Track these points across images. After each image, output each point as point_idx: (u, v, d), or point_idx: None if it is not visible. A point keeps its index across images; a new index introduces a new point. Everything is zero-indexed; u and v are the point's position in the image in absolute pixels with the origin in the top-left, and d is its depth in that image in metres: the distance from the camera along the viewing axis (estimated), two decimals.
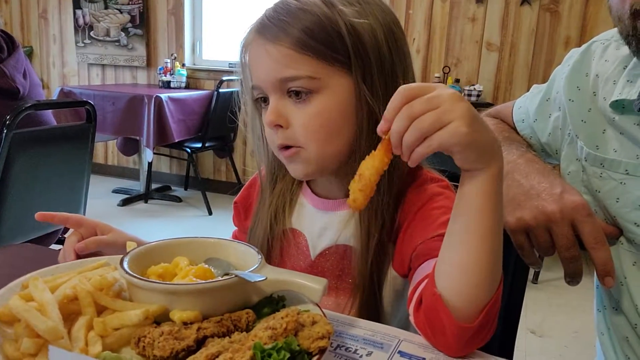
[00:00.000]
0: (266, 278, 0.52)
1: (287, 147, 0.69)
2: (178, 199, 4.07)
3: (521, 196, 0.72)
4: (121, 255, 0.59)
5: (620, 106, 0.74)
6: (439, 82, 3.50)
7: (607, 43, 0.81)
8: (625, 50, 0.76)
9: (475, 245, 0.53)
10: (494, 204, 0.53)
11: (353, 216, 0.73)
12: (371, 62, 0.67)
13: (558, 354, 2.15)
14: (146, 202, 3.99)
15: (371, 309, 0.71)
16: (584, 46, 0.85)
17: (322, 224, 0.76)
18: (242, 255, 0.61)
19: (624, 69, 0.76)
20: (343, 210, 0.75)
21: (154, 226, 3.51)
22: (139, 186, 4.13)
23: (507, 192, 0.73)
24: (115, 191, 4.18)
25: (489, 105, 3.34)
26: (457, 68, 3.56)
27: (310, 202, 0.79)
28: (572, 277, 0.71)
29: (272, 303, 0.56)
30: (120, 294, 0.56)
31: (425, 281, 0.59)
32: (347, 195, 0.73)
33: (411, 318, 0.61)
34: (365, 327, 0.60)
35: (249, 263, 0.58)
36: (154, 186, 4.20)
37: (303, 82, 0.65)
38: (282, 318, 0.47)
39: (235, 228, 0.88)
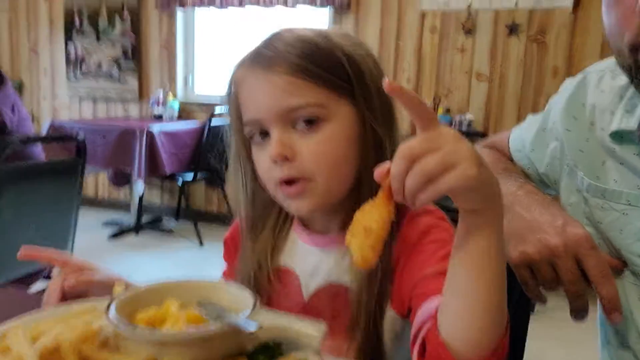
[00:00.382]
0: (261, 327, 0.49)
1: (290, 183, 0.66)
2: (169, 231, 4.02)
3: (524, 229, 0.70)
4: (109, 298, 0.56)
5: (619, 137, 0.73)
6: None
7: (602, 74, 0.81)
8: (621, 80, 0.76)
9: (481, 291, 0.50)
10: (499, 245, 0.50)
11: (348, 253, 0.70)
12: (370, 89, 0.67)
13: None
14: (137, 234, 3.93)
15: (371, 354, 0.68)
16: (578, 76, 0.85)
17: (315, 262, 0.74)
18: (235, 298, 0.58)
19: (621, 98, 0.75)
20: (337, 246, 0.72)
21: (144, 259, 3.45)
22: (129, 218, 4.08)
23: (509, 225, 0.72)
24: (106, 224, 4.12)
25: (480, 134, 3.36)
26: (448, 98, 3.58)
27: (302, 239, 0.76)
28: (579, 313, 0.69)
29: (268, 351, 0.53)
30: (108, 342, 0.53)
31: (428, 324, 0.56)
32: (342, 230, 0.73)
33: None
34: None
35: (242, 306, 0.55)
36: (145, 218, 4.15)
37: (312, 110, 0.65)
38: None
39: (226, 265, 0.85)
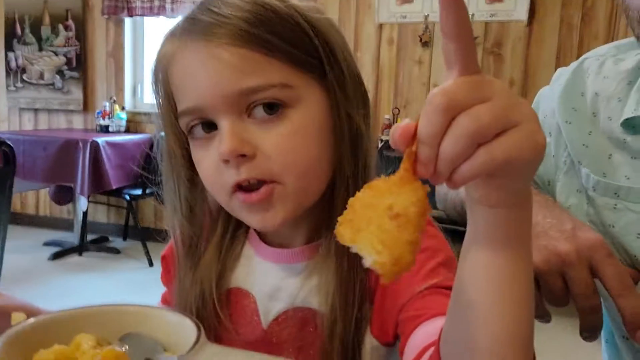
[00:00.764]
0: None
1: (249, 190, 0.52)
2: (116, 251, 3.76)
3: None
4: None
5: (631, 126, 0.64)
6: (389, 123, 3.47)
7: (603, 59, 0.73)
8: (626, 64, 0.68)
9: (511, 315, 0.36)
10: (527, 252, 0.37)
11: (316, 269, 0.57)
12: (342, 67, 0.54)
13: None
14: (80, 254, 3.66)
15: None
16: (573, 64, 0.76)
17: (276, 282, 0.60)
18: (174, 328, 0.44)
19: (630, 84, 0.67)
20: (302, 262, 0.59)
21: (89, 281, 3.20)
22: (73, 237, 3.80)
23: None
24: (47, 244, 3.83)
25: None
26: (407, 109, 3.54)
27: (259, 253, 0.62)
28: (591, 332, 0.58)
29: None
30: None
31: (430, 353, 0.44)
32: (308, 241, 0.58)
33: None
34: None
35: (183, 340, 0.42)
36: (89, 237, 3.88)
37: (274, 92, 0.50)
38: None
39: (165, 289, 0.70)
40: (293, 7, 0.52)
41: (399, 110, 3.53)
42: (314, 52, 0.53)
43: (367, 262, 0.30)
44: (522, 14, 3.24)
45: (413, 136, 0.31)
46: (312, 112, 0.53)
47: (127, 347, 0.43)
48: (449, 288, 0.51)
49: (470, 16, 3.30)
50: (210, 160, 0.53)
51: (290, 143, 0.51)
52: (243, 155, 0.50)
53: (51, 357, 0.41)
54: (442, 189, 0.84)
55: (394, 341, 0.55)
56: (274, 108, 0.51)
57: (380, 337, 0.55)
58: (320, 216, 0.58)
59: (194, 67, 0.51)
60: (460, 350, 0.38)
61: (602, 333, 0.75)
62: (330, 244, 0.56)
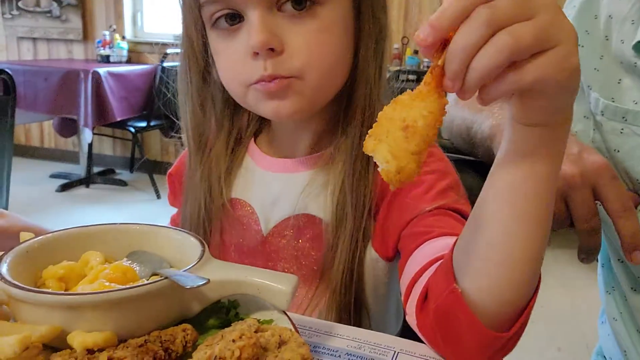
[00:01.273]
0: (209, 281, 0.36)
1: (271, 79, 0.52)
2: (123, 183, 3.80)
3: None
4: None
5: None
6: (398, 53, 3.39)
7: None
8: None
9: (529, 234, 0.38)
10: (558, 173, 0.38)
11: (319, 177, 0.58)
12: None
13: (549, 337, 2.06)
14: (87, 187, 3.70)
15: (349, 305, 0.56)
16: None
17: (277, 190, 0.60)
18: (178, 246, 0.45)
19: None
20: (305, 170, 0.59)
21: (96, 213, 3.25)
22: (79, 170, 3.83)
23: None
24: (53, 176, 3.86)
25: None
26: None
27: (260, 164, 0.62)
28: (589, 254, 0.59)
29: (220, 312, 0.41)
30: (0, 309, 0.39)
31: (431, 270, 0.45)
32: (312, 151, 0.58)
33: (410, 318, 0.46)
34: (349, 336, 0.45)
35: (187, 256, 0.42)
36: (96, 170, 3.90)
37: None
38: (233, 341, 0.32)
39: (175, 211, 0.71)
40: None
41: (408, 40, 3.43)
42: None
43: (381, 170, 0.32)
44: None
45: (443, 46, 0.31)
46: (339, 11, 0.53)
47: (134, 263, 0.43)
48: (457, 211, 0.52)
49: None
50: (233, 51, 0.53)
51: (317, 39, 0.52)
52: (271, 49, 0.50)
53: (60, 272, 0.42)
54: (447, 117, 0.83)
55: (393, 256, 0.56)
56: (301, 3, 0.51)
57: (381, 250, 0.56)
58: (325, 126, 0.59)
59: None
60: (474, 260, 0.39)
61: (599, 257, 0.76)
62: (336, 153, 0.57)
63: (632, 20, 0.64)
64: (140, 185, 3.77)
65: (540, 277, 0.40)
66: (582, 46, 0.70)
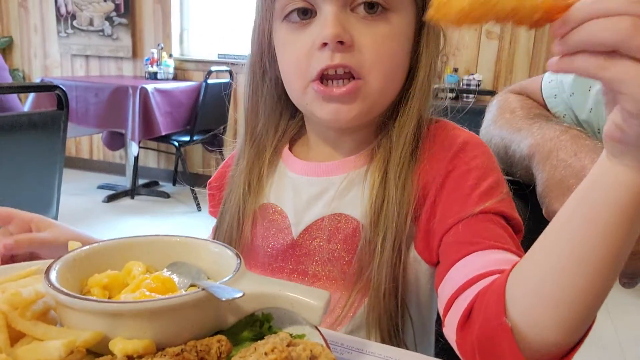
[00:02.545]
0: (244, 294, 0.37)
1: (331, 80, 0.54)
2: (166, 195, 3.91)
3: (571, 179, 0.58)
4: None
5: None
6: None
7: None
8: None
9: (602, 269, 0.36)
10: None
11: (355, 178, 0.58)
12: None
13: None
14: (132, 198, 3.82)
15: (391, 311, 0.54)
16: None
17: (311, 193, 0.60)
18: (216, 258, 0.47)
19: None
20: (341, 173, 0.59)
21: (140, 223, 3.35)
22: (125, 182, 3.97)
23: (553, 174, 0.60)
24: (101, 187, 4.01)
25: (490, 93, 3.20)
26: (455, 57, 3.41)
27: (293, 169, 0.63)
28: (632, 278, 0.57)
29: (254, 325, 0.42)
30: (48, 314, 0.41)
31: (478, 287, 0.44)
32: (351, 153, 0.59)
33: (449, 332, 0.45)
34: (381, 355, 0.45)
35: (224, 269, 0.44)
36: (140, 182, 4.03)
37: None
38: (265, 354, 0.32)
39: (214, 222, 0.73)
40: None
41: (447, 58, 3.40)
42: None
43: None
44: None
45: None
46: (406, 21, 0.56)
47: (174, 274, 0.45)
48: (501, 214, 0.51)
49: None
50: (301, 43, 0.55)
51: (384, 43, 0.54)
52: (341, 43, 0.52)
53: (104, 280, 0.44)
54: (485, 136, 0.82)
55: (437, 260, 0.54)
56: (374, 7, 0.53)
57: (424, 254, 0.55)
58: (367, 135, 0.60)
59: None
60: (527, 295, 0.38)
61: None
62: (375, 153, 0.58)
63: None
64: (182, 197, 3.87)
65: (594, 319, 0.39)
66: None
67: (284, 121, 0.65)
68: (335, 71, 0.53)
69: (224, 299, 0.36)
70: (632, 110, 0.31)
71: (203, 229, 0.77)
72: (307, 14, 0.54)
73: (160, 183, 4.24)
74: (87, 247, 0.47)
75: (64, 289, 0.39)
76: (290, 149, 0.65)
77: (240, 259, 0.43)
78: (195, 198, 3.62)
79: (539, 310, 0.37)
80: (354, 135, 0.60)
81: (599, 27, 0.30)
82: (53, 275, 0.40)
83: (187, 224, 3.37)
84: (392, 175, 0.55)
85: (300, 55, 0.54)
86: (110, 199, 3.74)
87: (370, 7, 0.53)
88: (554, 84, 0.82)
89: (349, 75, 0.54)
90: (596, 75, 0.31)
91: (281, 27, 0.57)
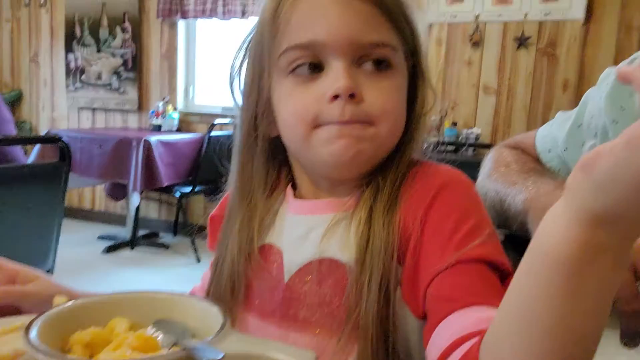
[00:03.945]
0: (224, 355, 0.36)
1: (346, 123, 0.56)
2: (165, 246, 3.89)
3: None
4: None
5: None
6: (436, 125, 3.42)
7: None
8: None
9: (557, 329, 0.33)
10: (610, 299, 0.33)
11: (343, 219, 0.58)
12: (421, 49, 0.61)
13: None
14: (132, 249, 3.80)
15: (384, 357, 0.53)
16: (623, 63, 0.73)
17: (302, 232, 0.60)
18: (202, 315, 0.46)
19: None
20: (330, 212, 0.59)
21: (139, 274, 3.32)
22: (125, 233, 3.96)
23: None
24: (101, 237, 4.00)
25: (489, 146, 3.24)
26: (454, 111, 3.48)
27: (291, 208, 0.63)
28: (632, 338, 0.56)
29: None
30: None
31: (460, 352, 0.42)
32: (349, 194, 0.58)
33: None
34: None
35: (209, 326, 0.43)
36: (141, 232, 4.02)
37: (387, 51, 0.57)
38: None
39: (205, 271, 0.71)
40: None
41: (446, 112, 3.47)
42: (409, 31, 0.60)
43: None
44: (578, 12, 3.11)
45: None
46: (402, 77, 0.60)
47: (158, 332, 0.44)
48: (483, 260, 0.50)
49: (524, 15, 3.24)
50: (309, 94, 0.56)
51: (390, 96, 0.57)
52: (352, 96, 0.54)
53: (87, 338, 0.43)
54: (481, 190, 0.83)
55: (423, 313, 0.52)
56: (380, 64, 0.57)
57: (411, 303, 0.54)
58: (361, 179, 0.60)
59: (327, 10, 0.55)
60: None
61: None
62: (362, 195, 0.58)
63: None
64: (182, 249, 3.84)
65: None
66: (617, 122, 0.69)
67: (275, 172, 0.65)
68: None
69: None
70: (631, 140, 0.28)
71: (200, 280, 0.76)
72: (314, 68, 0.56)
73: (161, 234, 4.22)
74: (71, 302, 0.46)
75: (44, 347, 0.38)
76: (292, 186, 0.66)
77: (225, 318, 0.42)
78: (195, 250, 3.60)
79: None
80: (346, 186, 0.60)
81: None
82: (33, 333, 0.40)
83: (186, 276, 3.33)
84: (378, 214, 0.56)
85: (308, 105, 0.56)
86: (110, 249, 3.72)
87: (378, 64, 0.56)
88: (547, 139, 0.84)
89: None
90: None
91: (286, 80, 0.58)
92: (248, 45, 0.63)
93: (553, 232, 0.32)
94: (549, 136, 0.83)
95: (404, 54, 0.59)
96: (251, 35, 0.63)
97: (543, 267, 0.32)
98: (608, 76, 0.75)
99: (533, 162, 0.81)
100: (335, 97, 0.54)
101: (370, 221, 0.56)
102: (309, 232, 0.60)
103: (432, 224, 0.53)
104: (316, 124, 0.56)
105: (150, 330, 0.45)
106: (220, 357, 0.36)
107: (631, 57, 0.74)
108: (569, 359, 0.33)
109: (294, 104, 0.57)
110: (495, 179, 0.79)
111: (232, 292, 0.62)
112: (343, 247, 0.57)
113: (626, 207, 0.29)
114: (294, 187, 0.65)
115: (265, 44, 0.59)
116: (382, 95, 0.56)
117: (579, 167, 0.31)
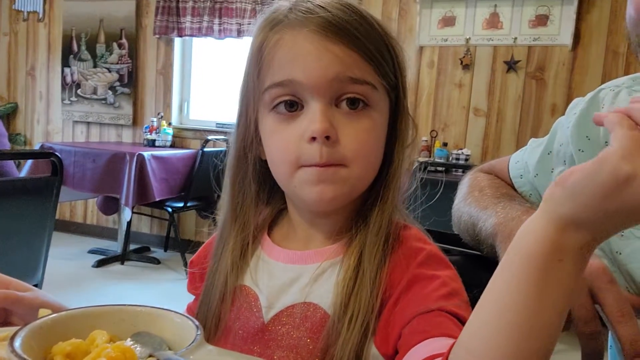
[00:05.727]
0: None
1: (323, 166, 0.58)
2: (156, 261, 3.88)
3: None
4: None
5: None
6: (427, 145, 3.47)
7: (618, 90, 0.73)
8: None
9: (523, 322, 0.38)
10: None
11: (328, 269, 0.60)
12: (406, 88, 0.63)
13: None
14: (122, 263, 3.80)
15: None
16: (590, 94, 0.77)
17: (286, 280, 0.62)
18: (178, 329, 0.48)
19: None
20: (315, 262, 0.62)
21: (128, 289, 3.31)
22: (116, 247, 3.96)
23: None
24: (92, 252, 4.00)
25: None
26: (445, 132, 3.53)
27: (271, 255, 0.65)
28: (592, 358, 0.58)
29: None
30: None
31: None
32: (326, 241, 0.61)
33: None
34: None
35: (185, 339, 0.45)
36: (132, 247, 4.03)
37: (366, 89, 0.58)
38: None
39: (191, 298, 0.74)
40: (383, 28, 0.61)
41: (436, 133, 3.53)
42: (392, 70, 0.61)
43: None
44: (566, 38, 3.19)
45: None
46: (382, 117, 0.61)
47: (136, 344, 0.47)
48: (458, 316, 0.53)
49: (513, 40, 3.31)
50: (290, 134, 0.59)
51: (365, 136, 0.58)
52: (328, 138, 0.56)
53: (68, 348, 0.45)
54: (456, 213, 0.86)
55: (393, 354, 0.56)
56: (355, 104, 0.58)
57: (382, 348, 0.56)
58: (343, 222, 0.63)
59: (305, 51, 0.57)
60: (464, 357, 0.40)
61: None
62: (352, 242, 0.60)
63: None
64: (172, 264, 3.84)
65: None
66: (582, 151, 0.73)
67: (264, 202, 0.68)
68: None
69: None
70: (601, 157, 0.35)
71: (191, 296, 0.78)
72: (293, 106, 0.58)
73: (152, 249, 4.22)
74: (54, 315, 0.49)
75: (25, 356, 0.40)
76: (268, 233, 0.68)
77: (199, 330, 0.45)
78: (186, 264, 3.60)
79: None
80: (333, 219, 0.63)
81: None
82: (17, 343, 0.42)
83: (175, 291, 3.33)
84: (367, 258, 0.58)
85: (289, 145, 0.58)
86: (100, 263, 3.71)
87: (352, 103, 0.58)
88: (519, 165, 0.87)
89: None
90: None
91: (269, 117, 0.60)
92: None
93: (529, 233, 0.38)
94: (521, 162, 0.87)
95: (385, 91, 0.60)
96: (245, 64, 0.65)
97: (517, 263, 0.38)
98: (576, 106, 0.79)
99: (505, 187, 0.85)
100: (313, 138, 0.56)
101: (359, 265, 0.58)
102: (295, 280, 0.62)
103: (416, 284, 0.56)
104: (299, 165, 0.58)
105: (128, 342, 0.47)
106: None
107: (614, 83, 0.77)
108: (532, 350, 0.37)
109: (277, 143, 0.60)
110: (469, 202, 0.83)
111: (217, 324, 0.64)
112: (327, 292, 0.59)
113: (590, 213, 0.35)
114: (270, 226, 0.68)
115: (251, 78, 0.62)
116: (358, 136, 0.57)
117: (555, 182, 0.37)
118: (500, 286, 0.39)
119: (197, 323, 0.47)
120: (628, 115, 0.36)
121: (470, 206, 0.82)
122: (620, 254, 0.67)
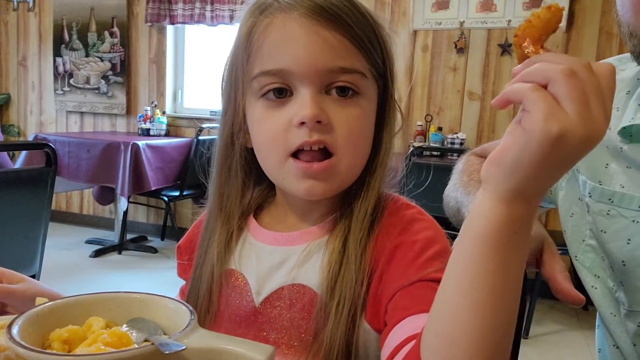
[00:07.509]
0: (185, 347, 0.40)
1: (307, 160, 0.58)
2: (153, 250, 3.89)
3: None
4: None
5: (628, 134, 0.65)
6: (422, 130, 3.48)
7: None
8: (627, 74, 0.69)
9: (494, 319, 0.39)
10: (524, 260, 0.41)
11: (315, 249, 0.61)
12: (395, 76, 0.63)
13: None
14: (120, 253, 3.81)
15: None
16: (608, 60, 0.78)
17: (272, 262, 0.63)
18: (172, 314, 0.49)
19: (628, 93, 0.68)
20: (302, 243, 0.62)
21: (126, 279, 3.33)
22: (113, 237, 3.97)
23: None
24: (89, 242, 4.01)
25: None
26: (439, 116, 3.53)
27: (258, 238, 0.66)
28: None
29: None
30: None
31: (405, 350, 0.47)
32: (317, 223, 0.62)
33: None
34: None
35: (179, 324, 0.46)
36: (129, 236, 4.03)
37: (355, 77, 0.58)
38: None
39: (183, 283, 0.75)
40: (374, 18, 0.61)
41: (431, 117, 3.53)
42: (381, 58, 0.61)
43: None
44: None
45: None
46: (371, 104, 0.61)
47: (131, 329, 0.48)
48: (437, 281, 0.54)
49: (507, 22, 3.30)
50: (278, 119, 0.58)
51: (356, 124, 0.59)
52: (319, 122, 0.56)
53: (65, 335, 0.46)
54: (446, 198, 0.87)
55: (383, 328, 0.56)
56: (345, 92, 0.58)
57: (373, 322, 0.57)
58: (331, 207, 0.63)
59: (295, 37, 0.57)
60: (440, 343, 0.41)
61: (596, 343, 0.76)
62: (336, 226, 0.61)
63: (617, 107, 0.69)
64: (170, 252, 3.85)
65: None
66: None
67: (250, 190, 0.68)
68: (311, 147, 0.57)
69: (166, 352, 0.39)
70: (526, 127, 0.36)
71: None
72: (282, 92, 0.58)
73: (149, 238, 4.23)
74: (51, 302, 0.50)
75: (24, 343, 0.41)
76: (255, 216, 0.68)
77: (193, 315, 0.46)
78: None
79: (443, 349, 0.40)
80: (321, 204, 0.63)
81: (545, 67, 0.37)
82: (15, 330, 0.43)
83: (173, 279, 3.32)
84: (352, 244, 0.59)
85: (278, 131, 0.58)
86: (98, 253, 3.72)
87: (342, 91, 0.58)
88: None
89: (324, 151, 0.58)
90: (516, 99, 0.37)
91: (257, 104, 0.60)
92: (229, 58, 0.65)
93: (480, 217, 0.39)
94: None
95: (374, 78, 0.61)
96: (232, 49, 0.65)
97: (476, 246, 0.39)
98: None
99: None
100: (303, 123, 0.56)
101: (344, 251, 0.59)
102: (282, 262, 0.63)
103: (398, 254, 0.57)
104: (287, 152, 0.58)
105: (124, 328, 0.48)
106: (181, 348, 0.40)
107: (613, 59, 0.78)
108: (496, 325, 0.39)
109: (265, 130, 0.60)
110: (456, 188, 0.84)
111: (207, 312, 0.65)
112: (314, 275, 0.60)
113: (533, 181, 0.37)
114: (257, 210, 0.68)
115: (240, 64, 0.61)
116: (348, 123, 0.58)
117: (489, 162, 0.39)
118: (461, 270, 0.40)
119: (191, 308, 0.48)
120: (524, 81, 0.37)
121: (457, 191, 0.83)
122: (604, 232, 0.68)
